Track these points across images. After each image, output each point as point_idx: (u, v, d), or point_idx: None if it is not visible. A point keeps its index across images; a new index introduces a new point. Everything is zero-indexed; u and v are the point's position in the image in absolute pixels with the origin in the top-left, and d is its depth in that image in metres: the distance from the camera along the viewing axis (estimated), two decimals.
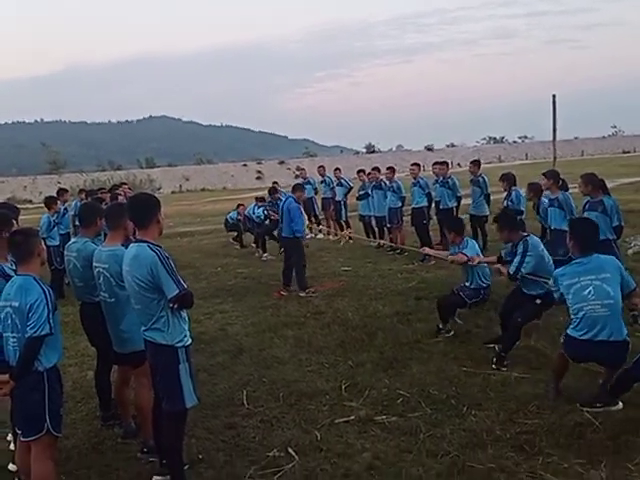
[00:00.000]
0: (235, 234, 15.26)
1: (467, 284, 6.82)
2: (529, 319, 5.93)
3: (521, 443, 4.29)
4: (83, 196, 12.80)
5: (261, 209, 14.05)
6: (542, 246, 5.98)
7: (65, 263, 5.05)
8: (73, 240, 5.18)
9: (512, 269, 5.87)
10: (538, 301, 5.84)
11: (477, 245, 7.24)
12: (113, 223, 4.62)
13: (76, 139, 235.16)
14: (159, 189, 50.20)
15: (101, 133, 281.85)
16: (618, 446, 4.17)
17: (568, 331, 4.91)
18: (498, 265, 6.38)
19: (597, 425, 4.44)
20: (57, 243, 10.32)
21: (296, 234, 9.60)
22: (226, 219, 15.64)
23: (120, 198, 9.72)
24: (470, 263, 6.70)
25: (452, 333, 6.79)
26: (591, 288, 4.72)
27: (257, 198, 14.88)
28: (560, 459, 4.05)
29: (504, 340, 5.89)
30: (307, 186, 14.28)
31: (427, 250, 8.87)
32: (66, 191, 12.83)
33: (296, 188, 10.06)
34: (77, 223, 11.33)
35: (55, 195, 11.64)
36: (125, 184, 14.24)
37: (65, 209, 11.54)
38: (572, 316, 4.87)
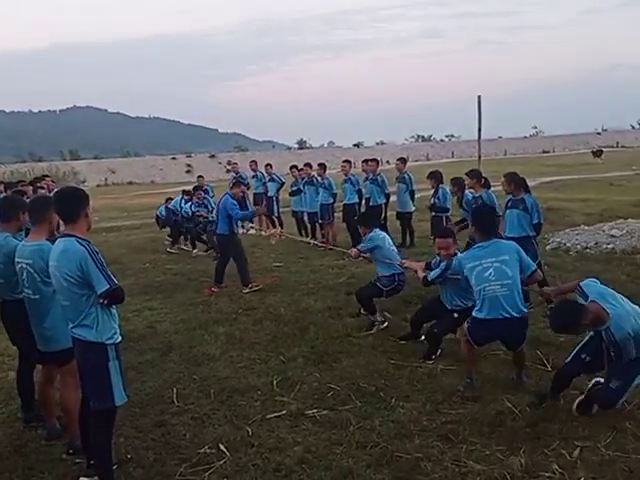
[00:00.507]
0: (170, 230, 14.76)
1: (382, 273, 7.03)
2: (446, 331, 6.05)
3: (446, 432, 4.45)
4: (1, 188, 12.23)
5: (188, 204, 13.69)
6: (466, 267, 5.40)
7: None
8: None
9: (430, 277, 6.00)
10: (456, 315, 5.93)
11: (381, 235, 7.18)
12: (37, 217, 4.42)
13: None
14: (84, 182, 48.38)
15: (21, 123, 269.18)
16: (536, 433, 4.39)
17: (473, 313, 5.19)
18: (417, 266, 6.55)
19: (517, 413, 4.66)
20: None
21: (247, 217, 9.67)
22: (156, 215, 15.24)
23: (43, 191, 9.36)
24: (353, 256, 7.38)
25: (386, 324, 6.97)
26: (492, 270, 5.01)
27: (184, 191, 14.57)
28: (482, 447, 4.23)
29: (429, 349, 5.98)
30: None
31: (338, 248, 9.27)
32: None
33: (235, 184, 9.92)
34: None
35: None
36: (48, 176, 13.70)
37: None
38: (477, 300, 5.15)
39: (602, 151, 43.10)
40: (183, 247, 13.64)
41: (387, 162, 47.57)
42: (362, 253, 7.29)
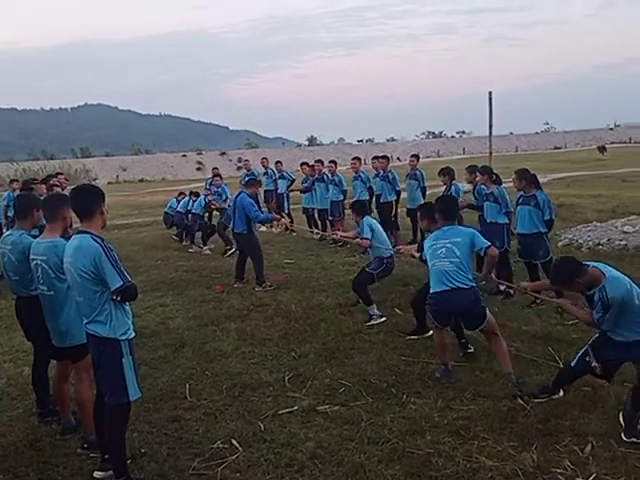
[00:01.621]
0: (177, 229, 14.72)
1: (374, 256, 7.48)
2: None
3: (457, 428, 4.46)
4: (15, 186, 12.34)
5: (202, 196, 13.78)
6: (426, 246, 5.78)
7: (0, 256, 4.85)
8: (8, 232, 4.99)
9: (423, 256, 5.99)
10: None
11: (373, 220, 7.79)
12: (51, 214, 4.47)
13: (6, 126, 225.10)
14: (95, 179, 48.66)
15: (33, 121, 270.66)
16: (548, 429, 4.40)
17: (430, 292, 5.46)
18: (412, 249, 7.01)
19: (528, 410, 4.67)
20: None
21: (265, 221, 9.77)
22: (165, 212, 15.25)
23: (57, 189, 9.44)
24: (364, 246, 7.79)
25: (384, 319, 7.08)
26: (444, 249, 5.38)
27: (192, 193, 14.66)
28: (494, 443, 4.24)
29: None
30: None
31: (339, 234, 9.35)
32: None
33: (250, 183, 9.94)
34: (10, 214, 11.02)
35: None
36: (61, 174, 13.79)
37: None
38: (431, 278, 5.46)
39: (605, 147, 43.67)
40: (189, 250, 13.42)
41: (398, 159, 47.41)
42: (369, 239, 7.45)
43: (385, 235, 7.77)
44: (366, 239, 7.45)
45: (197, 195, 14.05)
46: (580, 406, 4.69)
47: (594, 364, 4.47)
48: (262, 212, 10.27)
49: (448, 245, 5.36)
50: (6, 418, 4.97)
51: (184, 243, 13.91)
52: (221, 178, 14.45)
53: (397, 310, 7.24)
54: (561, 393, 4.90)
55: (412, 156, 12.64)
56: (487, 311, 5.32)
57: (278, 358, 6.12)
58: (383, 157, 12.65)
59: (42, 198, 5.45)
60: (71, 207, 4.13)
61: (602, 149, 42.35)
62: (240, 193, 9.58)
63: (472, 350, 5.99)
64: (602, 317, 4.36)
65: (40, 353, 4.88)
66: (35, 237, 4.60)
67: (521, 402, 4.78)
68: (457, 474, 3.91)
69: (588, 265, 4.45)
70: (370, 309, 7.24)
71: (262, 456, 4.23)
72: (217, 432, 4.61)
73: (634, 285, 4.35)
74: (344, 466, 4.04)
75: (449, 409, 4.81)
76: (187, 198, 14.40)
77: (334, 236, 9.87)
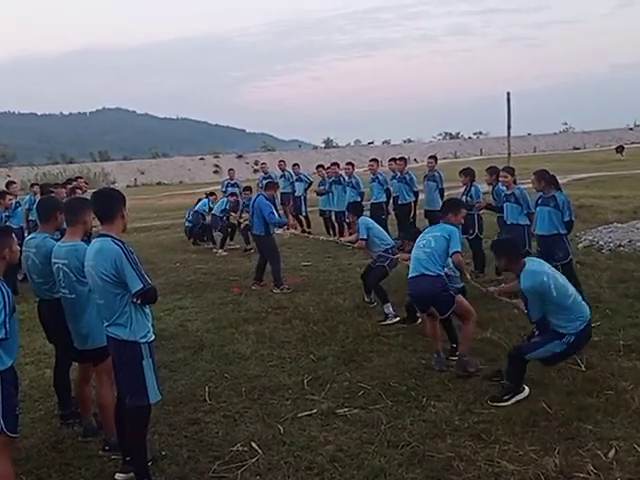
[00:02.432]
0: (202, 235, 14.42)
1: (377, 252, 7.75)
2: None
3: (478, 432, 4.43)
4: (36, 189, 12.49)
5: (225, 199, 13.89)
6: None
7: (23, 259, 4.91)
8: (32, 235, 5.05)
9: None
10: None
11: (368, 219, 8.23)
12: (72, 218, 4.52)
13: (26, 131, 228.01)
14: (114, 183, 49.11)
15: (52, 125, 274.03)
16: (570, 433, 4.34)
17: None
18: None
19: (550, 414, 4.62)
20: None
21: (278, 225, 9.76)
22: (196, 212, 14.57)
23: (77, 192, 9.54)
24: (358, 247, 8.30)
25: (399, 319, 7.12)
26: (424, 241, 5.87)
27: (209, 194, 14.78)
28: (516, 447, 4.20)
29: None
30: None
31: (342, 239, 9.74)
32: (14, 183, 12.53)
33: (270, 186, 9.99)
34: (31, 218, 11.16)
35: (5, 189, 11.32)
36: (80, 177, 13.95)
37: (17, 203, 11.24)
38: None
39: (623, 147, 43.36)
40: (213, 250, 13.51)
41: (415, 160, 47.26)
42: (365, 239, 7.80)
43: (382, 229, 8.23)
44: (362, 239, 7.80)
45: (214, 195, 14.17)
46: (603, 410, 4.62)
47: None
48: (278, 215, 10.33)
49: (429, 237, 5.85)
50: (28, 420, 5.01)
51: (206, 245, 13.96)
52: (251, 191, 14.29)
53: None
54: (526, 390, 4.99)
55: (430, 157, 12.56)
56: (457, 297, 5.79)
57: (297, 361, 6.12)
58: (400, 159, 12.62)
59: (63, 202, 5.50)
60: (92, 211, 4.17)
61: (620, 149, 42.07)
62: (258, 196, 9.69)
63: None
64: (526, 307, 5.07)
65: (62, 355, 4.93)
66: (57, 240, 4.66)
67: (543, 405, 4.73)
68: (478, 478, 3.88)
69: (525, 257, 5.25)
70: (385, 307, 7.30)
71: (282, 459, 4.23)
72: (237, 435, 4.62)
73: (557, 278, 4.95)
74: (364, 469, 4.03)
75: (469, 412, 4.77)
76: (205, 200, 14.53)
77: (339, 241, 10.11)
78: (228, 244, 13.63)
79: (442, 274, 5.74)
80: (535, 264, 5.09)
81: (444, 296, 5.70)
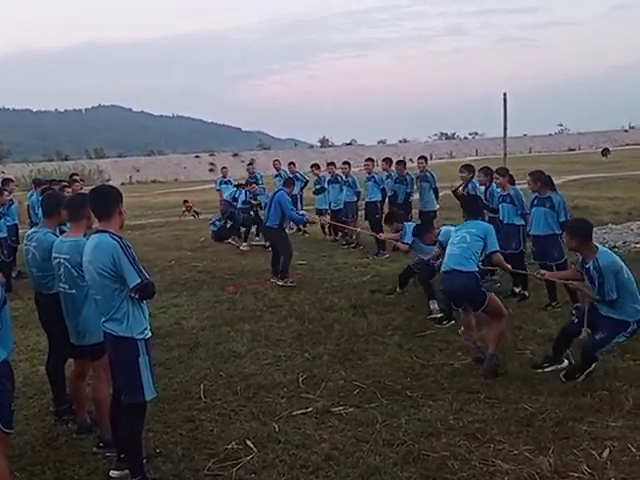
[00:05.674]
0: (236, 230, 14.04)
1: (417, 258, 8.17)
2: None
3: (473, 431, 4.43)
4: (35, 186, 12.44)
5: (244, 192, 14.02)
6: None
7: (23, 252, 4.91)
8: (34, 230, 5.03)
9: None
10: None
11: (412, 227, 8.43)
12: (75, 214, 4.52)
13: (20, 127, 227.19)
14: (109, 180, 48.91)
15: (47, 122, 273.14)
16: (565, 433, 4.36)
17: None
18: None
19: (545, 413, 4.63)
20: (4, 235, 10.01)
21: (297, 222, 10.23)
22: (228, 200, 14.22)
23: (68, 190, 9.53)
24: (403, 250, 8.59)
25: (453, 322, 6.98)
26: (458, 237, 5.96)
27: (238, 184, 14.91)
28: (510, 446, 4.21)
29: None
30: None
31: (383, 236, 9.98)
32: (11, 181, 12.47)
33: (287, 182, 10.26)
34: (32, 212, 11.12)
35: (1, 186, 11.27)
36: (76, 174, 13.90)
37: (11, 200, 11.20)
38: None
39: (609, 150, 43.55)
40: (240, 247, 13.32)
41: (410, 160, 47.31)
42: (409, 244, 8.24)
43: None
44: (407, 244, 8.23)
45: (242, 185, 14.43)
46: (597, 410, 4.64)
47: (574, 319, 5.42)
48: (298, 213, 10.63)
49: (464, 234, 5.92)
50: (22, 417, 4.99)
51: (234, 242, 13.75)
52: (255, 180, 14.70)
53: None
54: (565, 362, 5.42)
55: (420, 158, 12.52)
56: (490, 295, 5.76)
57: (292, 359, 6.12)
58: (400, 162, 12.73)
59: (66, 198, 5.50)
60: (89, 207, 4.16)
61: (606, 152, 42.16)
62: (279, 190, 9.89)
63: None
64: (594, 288, 5.16)
65: (57, 351, 4.93)
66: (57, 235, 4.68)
67: (537, 405, 4.74)
68: (473, 477, 3.88)
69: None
70: (432, 302, 7.40)
71: (277, 457, 4.23)
72: (232, 433, 4.62)
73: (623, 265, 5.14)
74: (359, 468, 4.03)
75: (464, 412, 4.78)
76: (233, 189, 14.74)
77: (379, 236, 10.22)
78: (254, 239, 13.72)
79: (475, 271, 5.78)
80: (607, 250, 5.35)
81: (475, 293, 5.75)
